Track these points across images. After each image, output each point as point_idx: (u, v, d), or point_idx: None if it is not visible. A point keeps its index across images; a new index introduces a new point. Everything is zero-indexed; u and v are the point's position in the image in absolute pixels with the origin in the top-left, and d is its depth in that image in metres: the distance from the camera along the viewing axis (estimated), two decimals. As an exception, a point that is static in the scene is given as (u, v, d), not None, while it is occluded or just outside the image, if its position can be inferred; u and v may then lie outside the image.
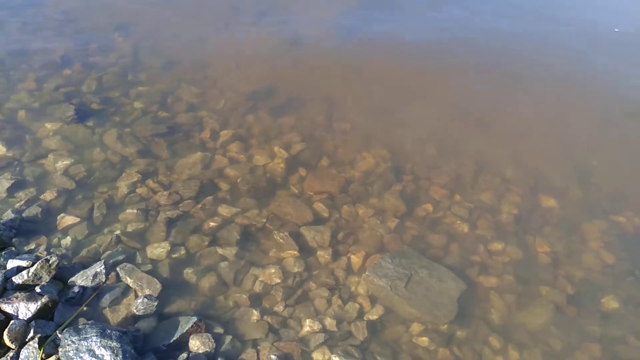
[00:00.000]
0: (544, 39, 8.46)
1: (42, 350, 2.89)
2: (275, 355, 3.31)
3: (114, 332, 3.00)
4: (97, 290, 3.49)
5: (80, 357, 2.83)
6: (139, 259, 3.90)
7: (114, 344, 2.92)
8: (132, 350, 2.99)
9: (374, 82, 6.81)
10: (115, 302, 3.48)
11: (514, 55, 7.83)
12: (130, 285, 3.61)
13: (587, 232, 4.73)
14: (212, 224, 4.31)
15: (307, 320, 3.62)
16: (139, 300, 3.45)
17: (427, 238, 4.48)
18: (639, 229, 4.82)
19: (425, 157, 5.41)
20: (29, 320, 3.08)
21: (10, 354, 2.91)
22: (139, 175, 4.69)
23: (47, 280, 3.38)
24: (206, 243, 4.13)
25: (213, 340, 3.29)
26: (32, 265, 3.43)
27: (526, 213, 4.86)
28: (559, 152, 5.69)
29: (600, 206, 5.02)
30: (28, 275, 3.35)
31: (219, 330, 3.43)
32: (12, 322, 3.01)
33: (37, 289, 3.29)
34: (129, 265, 3.74)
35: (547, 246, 4.50)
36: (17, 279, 3.34)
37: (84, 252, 3.87)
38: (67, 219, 4.14)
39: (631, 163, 5.64)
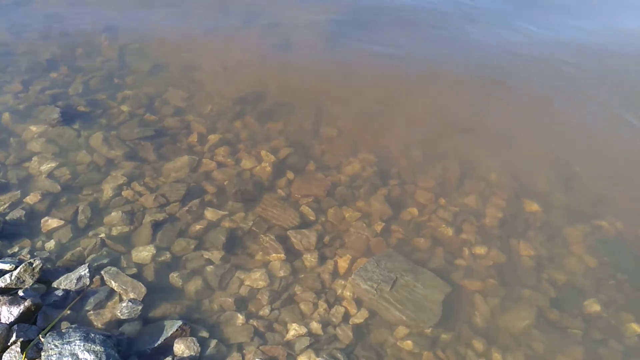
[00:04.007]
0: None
1: (24, 355, 2.87)
2: (260, 358, 3.32)
3: (97, 336, 2.99)
4: (81, 294, 3.47)
5: (63, 361, 2.82)
6: (123, 263, 3.89)
7: (98, 347, 2.91)
8: (116, 354, 2.97)
9: (362, 87, 6.85)
10: (100, 305, 3.47)
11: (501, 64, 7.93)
12: (115, 289, 3.59)
13: (570, 236, 4.79)
14: (198, 227, 4.31)
15: (293, 324, 3.63)
16: (124, 304, 3.44)
17: (413, 242, 4.51)
18: (620, 233, 4.89)
19: (411, 162, 5.44)
20: (12, 324, 3.05)
21: (-8, 358, 2.89)
22: (125, 178, 4.66)
23: (31, 284, 3.36)
24: (192, 246, 4.13)
25: (198, 344, 3.28)
26: (16, 268, 3.40)
27: (510, 217, 4.90)
28: (542, 157, 5.76)
29: (582, 210, 5.08)
30: (11, 279, 3.33)
31: (204, 334, 3.43)
32: (-6, 326, 2.98)
33: (20, 293, 3.27)
34: (113, 268, 3.72)
35: (530, 250, 4.55)
36: (0, 283, 3.31)
37: (68, 256, 3.84)
38: (51, 222, 4.11)
39: (613, 168, 5.72)
